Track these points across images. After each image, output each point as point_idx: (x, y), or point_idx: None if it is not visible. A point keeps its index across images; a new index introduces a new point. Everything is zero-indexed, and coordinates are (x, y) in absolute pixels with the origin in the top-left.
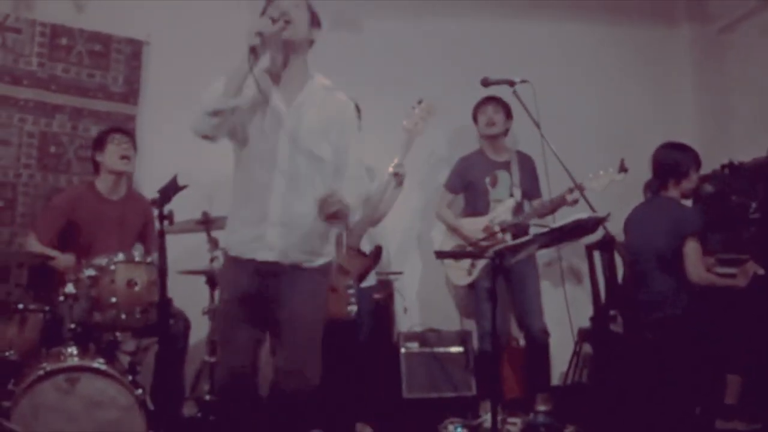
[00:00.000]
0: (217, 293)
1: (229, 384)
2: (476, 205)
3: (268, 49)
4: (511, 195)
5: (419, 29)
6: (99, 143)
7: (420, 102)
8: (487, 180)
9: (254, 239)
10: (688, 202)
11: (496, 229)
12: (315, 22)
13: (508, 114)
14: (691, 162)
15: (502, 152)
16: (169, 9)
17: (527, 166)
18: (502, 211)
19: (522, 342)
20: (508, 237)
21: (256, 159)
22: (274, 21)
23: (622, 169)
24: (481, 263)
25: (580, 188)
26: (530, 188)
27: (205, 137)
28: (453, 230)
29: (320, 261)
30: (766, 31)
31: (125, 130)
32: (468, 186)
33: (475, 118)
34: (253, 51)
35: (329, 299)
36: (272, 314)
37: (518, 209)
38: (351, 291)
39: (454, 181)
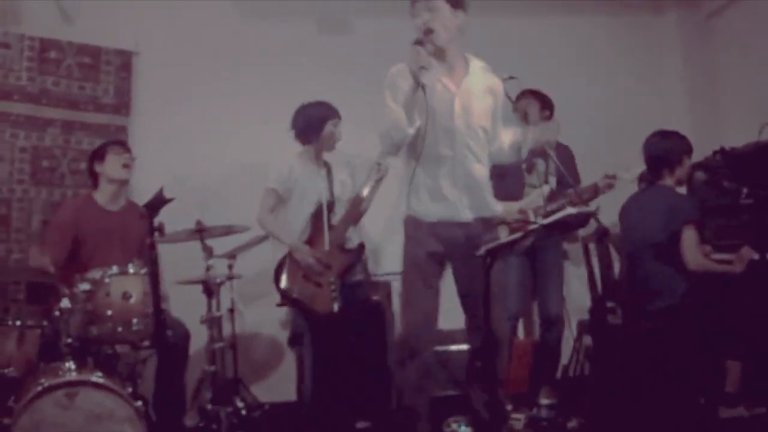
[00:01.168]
0: (214, 302)
1: None
2: (510, 190)
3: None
4: (546, 182)
5: (408, 28)
6: (98, 154)
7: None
8: (524, 166)
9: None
10: (683, 190)
11: (531, 214)
12: (457, 5)
13: (545, 105)
14: (683, 148)
15: None
16: (157, 19)
17: (565, 155)
18: (536, 196)
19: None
20: (539, 220)
21: (435, 139)
22: (422, 43)
23: None
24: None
25: (613, 177)
26: (566, 178)
27: (394, 155)
28: None
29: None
30: (753, 15)
31: (123, 143)
32: (502, 171)
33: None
34: (418, 85)
35: (314, 295)
36: None
37: (552, 196)
38: (333, 287)
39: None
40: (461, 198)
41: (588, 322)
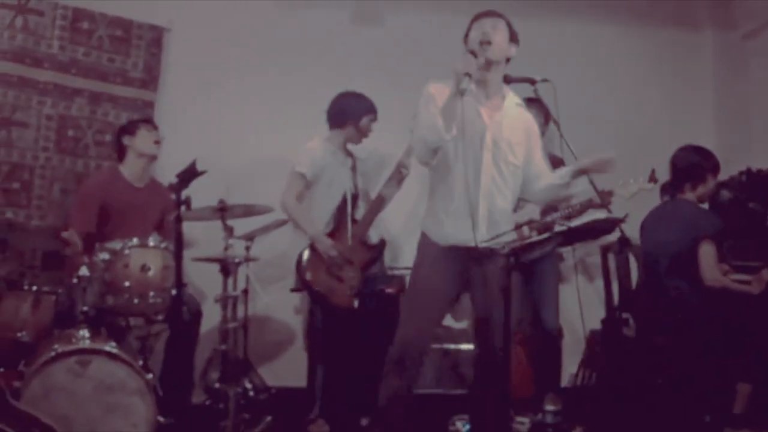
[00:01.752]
0: (230, 281)
1: None
2: None
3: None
4: None
5: (440, 24)
6: (129, 129)
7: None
8: None
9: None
10: (705, 206)
11: (525, 229)
12: (513, 38)
13: (547, 116)
14: (709, 167)
15: None
16: None
17: (557, 167)
18: (531, 209)
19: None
20: (534, 235)
21: (461, 164)
22: (475, 54)
23: (652, 179)
24: None
25: (608, 194)
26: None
27: (426, 164)
28: None
29: None
30: None
31: (153, 122)
32: None
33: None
34: (462, 93)
35: (336, 289)
36: None
37: (546, 211)
38: (355, 282)
39: None
40: (477, 226)
41: (600, 332)
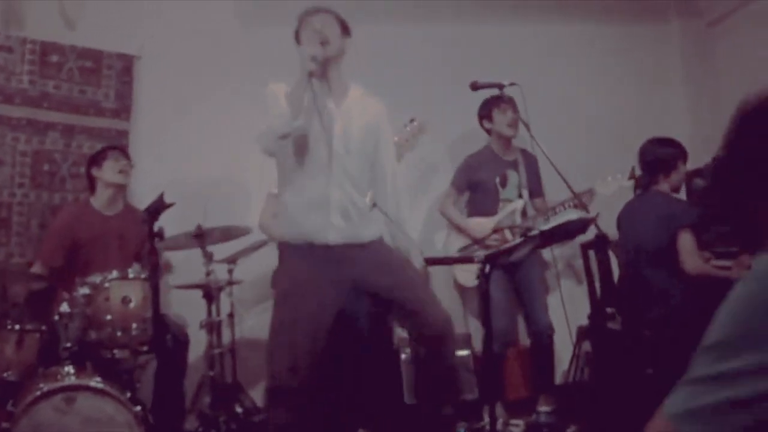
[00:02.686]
0: (213, 307)
1: None
2: (485, 205)
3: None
4: (520, 196)
5: (408, 33)
6: (96, 159)
7: (412, 120)
8: (497, 180)
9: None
10: (682, 196)
11: (507, 232)
12: (345, 31)
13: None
14: (678, 154)
15: (511, 151)
16: (159, 23)
17: (532, 164)
18: (510, 212)
19: (523, 343)
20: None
21: (313, 160)
22: (321, 44)
23: (632, 176)
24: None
25: (590, 192)
26: (534, 187)
27: (272, 155)
28: (459, 229)
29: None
30: (754, 22)
31: (122, 148)
32: (476, 185)
33: (489, 116)
34: (311, 75)
35: None
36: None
37: (524, 212)
38: None
39: (461, 180)
40: (332, 221)
41: (587, 328)
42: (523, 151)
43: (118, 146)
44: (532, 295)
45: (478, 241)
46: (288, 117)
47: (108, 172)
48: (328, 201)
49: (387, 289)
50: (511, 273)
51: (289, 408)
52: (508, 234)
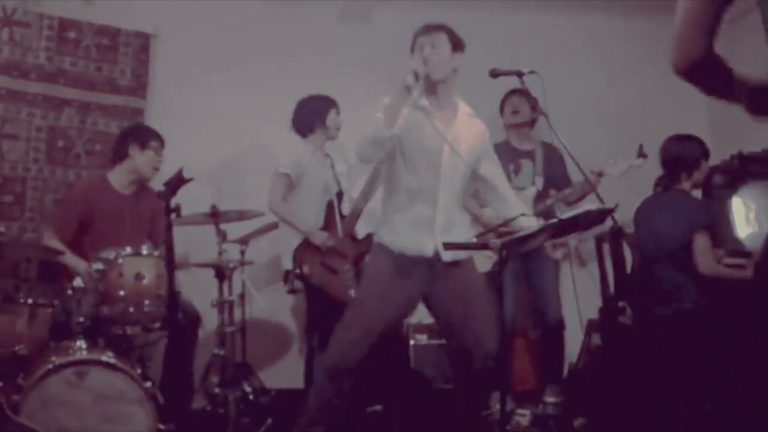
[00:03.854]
0: (225, 286)
1: None
2: None
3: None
4: (533, 183)
5: (428, 20)
6: (141, 138)
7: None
8: (511, 168)
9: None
10: (698, 193)
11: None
12: (457, 47)
13: (534, 106)
14: (700, 152)
15: (527, 142)
16: (177, 2)
17: (553, 155)
18: (522, 199)
19: (532, 333)
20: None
21: (421, 180)
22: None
23: (641, 154)
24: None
25: (599, 174)
26: (557, 177)
27: (367, 161)
28: (475, 219)
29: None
30: None
31: (164, 141)
32: None
33: (501, 110)
34: (408, 88)
35: (331, 282)
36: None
37: (540, 198)
38: (350, 274)
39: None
40: (433, 236)
41: (598, 321)
42: (544, 143)
43: (161, 136)
44: (544, 286)
45: (489, 229)
46: (381, 124)
47: (146, 160)
48: (433, 224)
49: (451, 316)
50: (524, 262)
51: (341, 387)
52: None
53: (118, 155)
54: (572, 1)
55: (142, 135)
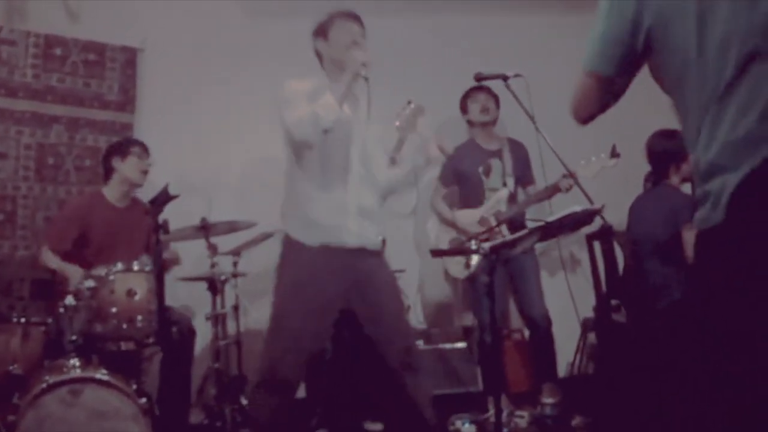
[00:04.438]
0: (218, 299)
1: None
2: (471, 196)
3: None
4: (504, 184)
5: (414, 25)
6: (120, 150)
7: (409, 102)
8: (481, 169)
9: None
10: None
11: (492, 221)
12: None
13: (497, 103)
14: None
15: (494, 140)
16: (163, 16)
17: (520, 153)
18: (495, 201)
19: (526, 333)
20: (504, 229)
21: (335, 163)
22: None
23: (614, 154)
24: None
25: (572, 175)
26: (523, 175)
27: (302, 145)
28: (449, 223)
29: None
30: None
31: (145, 145)
32: (461, 177)
33: (464, 108)
34: (365, 78)
35: None
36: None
37: (512, 198)
38: None
39: (446, 172)
40: (349, 225)
41: (592, 320)
42: (510, 140)
43: (142, 142)
44: (526, 284)
45: (469, 237)
46: (335, 109)
47: (130, 167)
48: (346, 205)
49: (369, 310)
50: (504, 263)
51: (283, 398)
52: (492, 221)
53: (106, 173)
54: (551, 1)
55: (121, 146)
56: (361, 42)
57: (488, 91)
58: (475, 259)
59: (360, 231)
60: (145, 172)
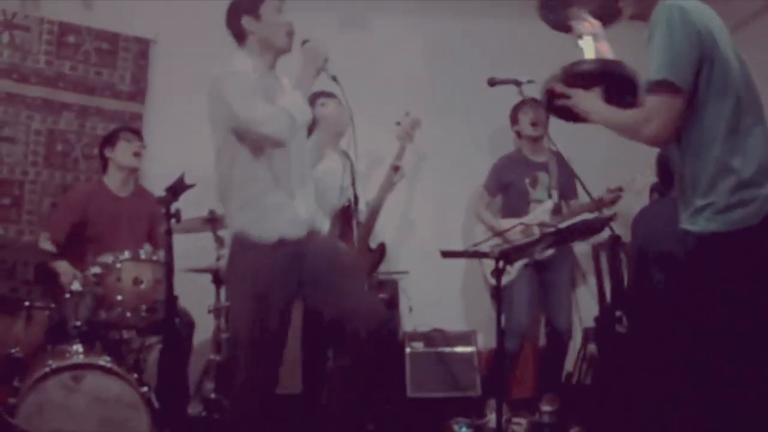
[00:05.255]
0: (222, 291)
1: None
2: (516, 206)
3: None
4: (549, 196)
5: (426, 29)
6: (110, 140)
7: (407, 114)
8: (527, 181)
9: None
10: None
11: (536, 231)
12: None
13: (548, 117)
14: None
15: (542, 153)
16: (176, 7)
17: (565, 166)
18: (540, 212)
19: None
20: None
21: (295, 157)
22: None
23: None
24: (519, 263)
25: (618, 190)
26: (567, 189)
27: (278, 143)
28: (492, 230)
29: None
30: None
31: (135, 130)
32: (507, 187)
33: (514, 119)
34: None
35: None
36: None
37: (557, 210)
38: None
39: (492, 182)
40: (299, 214)
41: (594, 330)
42: (557, 154)
43: (130, 127)
44: (557, 297)
45: (499, 234)
46: (306, 109)
47: (121, 153)
48: (293, 195)
49: (326, 275)
50: (540, 272)
51: (264, 408)
52: (536, 230)
53: (103, 165)
54: None
55: (110, 136)
56: (291, 24)
57: (538, 104)
58: (515, 265)
59: (308, 217)
60: (137, 154)
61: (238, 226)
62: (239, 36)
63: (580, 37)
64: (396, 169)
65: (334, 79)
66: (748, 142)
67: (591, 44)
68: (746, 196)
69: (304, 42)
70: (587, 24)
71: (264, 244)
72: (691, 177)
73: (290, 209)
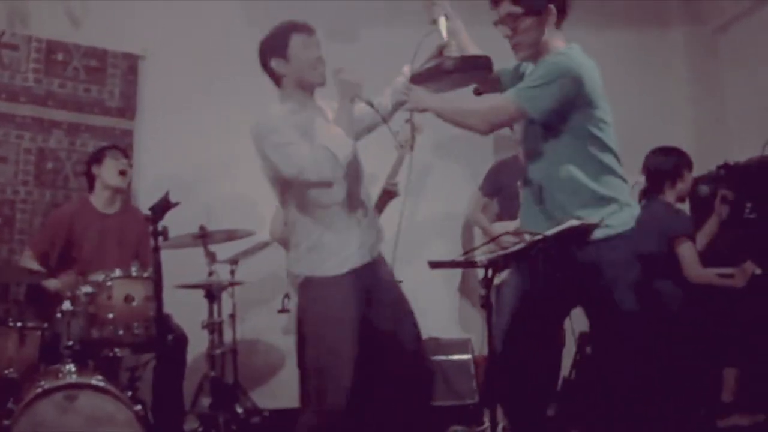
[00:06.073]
0: (215, 307)
1: None
2: (510, 210)
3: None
4: None
5: (414, 38)
6: (96, 157)
7: (407, 121)
8: (519, 184)
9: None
10: (686, 206)
11: (527, 235)
12: None
13: None
14: (683, 162)
15: None
16: (164, 23)
17: None
18: None
19: None
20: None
21: (351, 191)
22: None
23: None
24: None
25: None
26: None
27: (326, 184)
28: (486, 234)
29: None
30: (759, 30)
31: (123, 148)
32: (501, 190)
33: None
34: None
35: None
36: None
37: None
38: None
39: (486, 185)
40: (368, 241)
41: (588, 334)
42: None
43: (118, 145)
44: None
45: (493, 240)
46: (348, 142)
47: (107, 172)
48: (360, 220)
49: (382, 309)
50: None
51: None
52: (527, 235)
53: (89, 183)
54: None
55: (96, 154)
56: (321, 55)
57: None
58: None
59: (374, 242)
60: (122, 173)
61: (308, 266)
62: (274, 79)
63: (434, 22)
64: (389, 194)
65: (370, 104)
66: None
67: (444, 24)
68: None
69: (338, 71)
70: (437, 6)
71: (335, 276)
72: None
73: (356, 238)
